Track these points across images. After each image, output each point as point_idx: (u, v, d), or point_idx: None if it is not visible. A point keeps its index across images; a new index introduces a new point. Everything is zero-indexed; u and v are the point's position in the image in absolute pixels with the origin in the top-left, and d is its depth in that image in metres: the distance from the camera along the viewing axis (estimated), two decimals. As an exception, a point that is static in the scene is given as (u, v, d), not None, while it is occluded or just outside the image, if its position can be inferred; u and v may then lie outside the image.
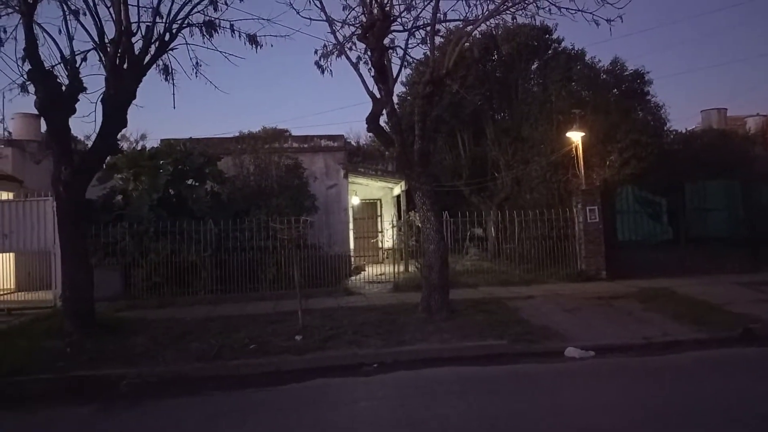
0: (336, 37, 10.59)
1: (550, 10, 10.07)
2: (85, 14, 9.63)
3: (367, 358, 8.00)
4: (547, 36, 20.10)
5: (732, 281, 12.83)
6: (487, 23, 11.30)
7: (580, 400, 6.29)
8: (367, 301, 12.37)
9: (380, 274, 16.08)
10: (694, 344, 8.27)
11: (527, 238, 15.14)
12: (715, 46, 66.64)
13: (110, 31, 9.63)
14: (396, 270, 15.50)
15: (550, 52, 20.33)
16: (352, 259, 17.70)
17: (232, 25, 10.26)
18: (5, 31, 9.48)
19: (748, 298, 11.03)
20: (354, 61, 10.65)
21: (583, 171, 15.61)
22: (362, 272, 16.72)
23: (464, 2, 10.41)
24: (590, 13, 9.73)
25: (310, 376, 7.44)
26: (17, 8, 9.18)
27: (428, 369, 7.55)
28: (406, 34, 10.79)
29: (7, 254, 13.82)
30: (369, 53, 10.44)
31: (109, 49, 9.59)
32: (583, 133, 15.68)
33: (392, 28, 10.43)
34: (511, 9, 10.34)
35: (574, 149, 15.94)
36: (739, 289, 11.98)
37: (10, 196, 14.70)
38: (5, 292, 13.80)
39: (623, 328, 9.14)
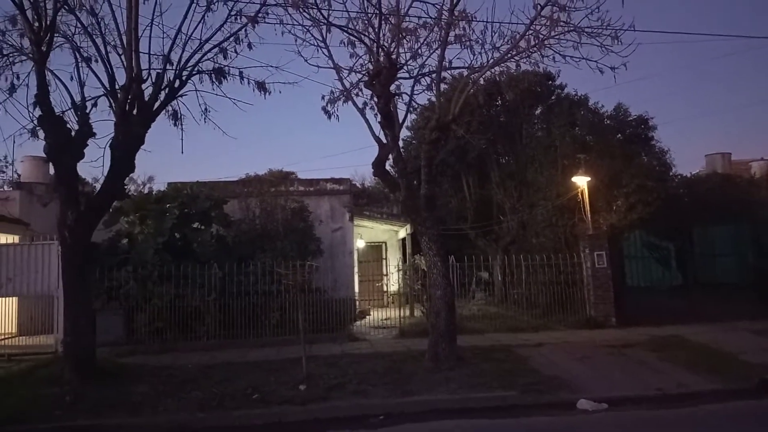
0: (343, 84, 10.71)
1: (554, 58, 10.11)
2: (96, 61, 9.81)
3: (373, 410, 7.79)
4: (550, 82, 20.28)
5: (744, 328, 12.61)
6: (492, 70, 11.41)
7: (594, 456, 6.07)
8: (372, 347, 12.16)
9: (385, 319, 15.87)
10: (709, 396, 8.04)
11: (534, 282, 14.98)
12: (718, 92, 67.48)
13: (121, 78, 9.76)
14: (401, 314, 15.32)
15: (553, 97, 20.50)
16: (357, 302, 17.51)
17: (241, 72, 10.33)
18: (18, 78, 9.67)
19: (761, 347, 10.80)
20: (360, 106, 10.78)
21: (589, 215, 15.54)
22: (367, 316, 16.52)
23: (469, 50, 10.50)
24: (594, 61, 9.78)
25: (314, 429, 7.26)
26: (31, 56, 9.37)
27: (436, 421, 7.34)
28: (412, 80, 10.92)
29: (10, 298, 13.70)
30: (375, 99, 10.55)
31: (119, 95, 9.68)
32: (588, 178, 15.67)
33: (398, 75, 10.57)
34: (515, 57, 10.45)
35: (579, 194, 15.90)
36: (752, 337, 11.76)
37: (16, 239, 14.66)
38: (6, 336, 13.64)
39: (636, 379, 8.91)
